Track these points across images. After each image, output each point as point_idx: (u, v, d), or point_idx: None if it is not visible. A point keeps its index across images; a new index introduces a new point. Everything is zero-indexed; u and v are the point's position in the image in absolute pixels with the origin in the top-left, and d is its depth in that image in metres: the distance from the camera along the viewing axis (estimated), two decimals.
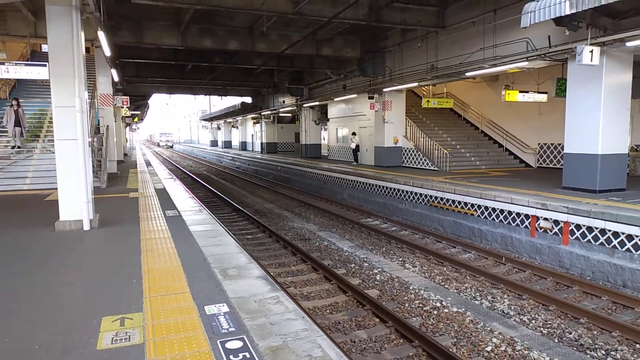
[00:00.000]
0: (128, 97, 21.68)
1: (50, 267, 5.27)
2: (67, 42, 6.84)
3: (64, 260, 5.57)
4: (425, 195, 12.83)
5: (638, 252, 7.64)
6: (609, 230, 8.06)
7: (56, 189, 7.24)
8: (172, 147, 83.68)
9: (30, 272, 5.13)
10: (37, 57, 18.40)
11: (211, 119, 56.78)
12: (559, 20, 9.35)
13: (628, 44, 9.28)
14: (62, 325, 3.68)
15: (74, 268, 5.28)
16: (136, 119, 43.31)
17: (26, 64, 8.17)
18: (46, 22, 6.86)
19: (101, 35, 9.95)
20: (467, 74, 14.06)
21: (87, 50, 15.22)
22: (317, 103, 25.26)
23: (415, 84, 16.86)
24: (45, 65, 7.53)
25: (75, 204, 7.10)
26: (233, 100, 42.22)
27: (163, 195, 11.04)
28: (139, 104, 38.28)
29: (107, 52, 12.17)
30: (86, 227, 7.12)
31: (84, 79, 7.10)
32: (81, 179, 7.08)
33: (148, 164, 23.39)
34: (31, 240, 6.61)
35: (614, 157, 10.43)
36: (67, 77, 6.89)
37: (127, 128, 41.29)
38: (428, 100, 16.68)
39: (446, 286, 7.77)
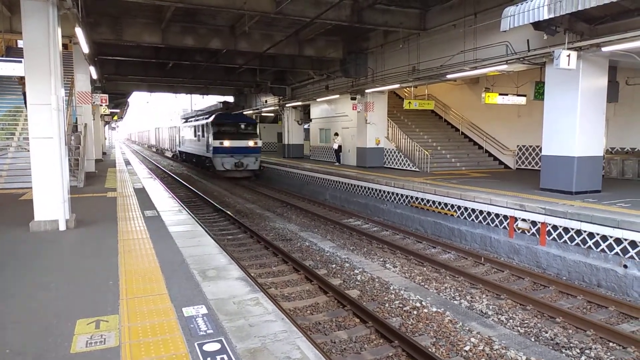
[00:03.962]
0: (107, 95, 21.28)
1: (23, 269, 5.14)
2: (43, 38, 6.69)
3: (39, 262, 5.44)
4: (407, 196, 12.91)
5: (612, 253, 7.82)
6: (585, 231, 8.23)
7: (31, 188, 7.07)
8: (258, 172, 24.15)
9: (2, 273, 4.99)
10: (12, 52, 17.97)
11: (191, 118, 56.08)
12: (538, 25, 9.52)
13: (604, 49, 9.49)
14: (35, 329, 3.59)
15: (48, 269, 5.15)
16: (116, 117, 42.59)
17: (0, 60, 7.97)
18: (21, 17, 6.70)
19: (79, 31, 9.75)
20: (448, 76, 14.22)
21: (65, 46, 14.89)
22: (299, 103, 25.22)
23: (397, 86, 16.97)
24: (20, 62, 7.34)
25: (51, 204, 6.95)
26: (215, 99, 41.85)
27: (142, 195, 10.89)
28: (119, 102, 37.68)
29: (86, 49, 11.95)
30: (62, 227, 6.96)
31: (60, 76, 6.95)
32: (57, 178, 6.93)
33: (127, 163, 23.04)
34: (4, 241, 6.44)
35: (590, 159, 10.66)
36: (43, 74, 6.73)
37: (106, 126, 40.63)
38: (410, 102, 16.84)
39: (426, 286, 7.83)
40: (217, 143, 22.53)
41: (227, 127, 23.46)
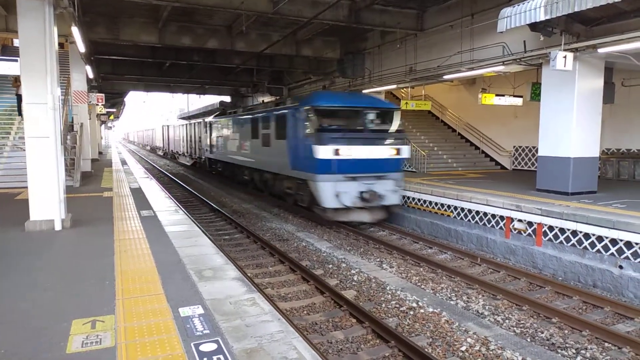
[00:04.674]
0: (103, 95, 21.24)
1: (19, 269, 5.12)
2: (39, 37, 6.67)
3: (34, 262, 5.42)
4: (403, 197, 12.92)
5: (608, 253, 7.85)
6: (580, 232, 8.25)
7: (27, 187, 7.05)
8: (397, 210, 12.36)
9: None
10: (8, 51, 17.90)
11: (189, 117, 56.09)
12: (534, 26, 9.55)
13: (600, 50, 9.53)
14: (30, 329, 3.57)
15: (44, 269, 5.13)
16: (112, 117, 42.50)
17: None
18: (17, 16, 6.68)
19: (75, 31, 9.72)
20: (445, 76, 14.24)
21: (61, 45, 14.87)
22: None
23: (394, 86, 17.00)
24: (16, 61, 7.33)
25: (47, 204, 6.92)
26: (212, 99, 41.80)
27: (138, 194, 10.86)
28: (115, 101, 37.57)
29: (82, 48, 11.91)
30: (58, 227, 6.94)
31: (56, 75, 6.93)
32: (53, 177, 6.91)
33: (123, 162, 22.99)
34: None
35: (586, 160, 10.70)
36: (39, 73, 6.71)
37: (103, 126, 40.52)
38: (406, 102, 16.86)
39: (422, 287, 7.83)
40: (327, 152, 11.09)
41: (343, 118, 11.92)
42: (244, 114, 17.81)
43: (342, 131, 11.53)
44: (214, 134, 22.39)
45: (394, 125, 12.31)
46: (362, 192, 11.34)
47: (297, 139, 12.37)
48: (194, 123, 28.80)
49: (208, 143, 23.53)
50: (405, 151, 12.29)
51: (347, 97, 13.53)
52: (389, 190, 11.65)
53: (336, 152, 11.11)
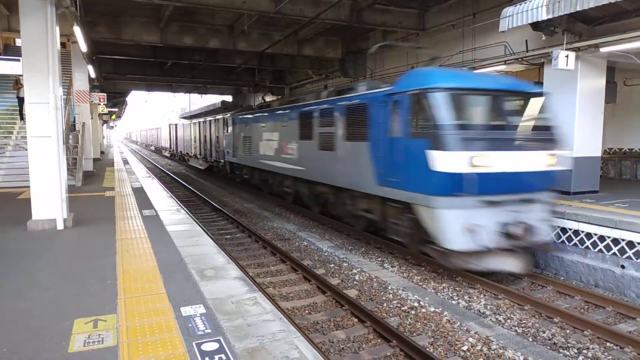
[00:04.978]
0: (105, 94, 21.31)
1: (21, 268, 5.13)
2: (41, 37, 6.70)
3: (36, 261, 5.43)
4: None
5: (609, 253, 7.83)
6: (582, 232, 8.24)
7: (29, 187, 7.07)
8: (546, 246, 8.09)
9: None
10: (10, 51, 17.95)
11: (191, 117, 56.11)
12: (536, 25, 9.54)
13: (602, 49, 9.51)
14: (32, 328, 3.58)
15: (46, 269, 5.15)
16: (114, 117, 42.58)
17: None
18: (19, 15, 6.70)
19: (77, 30, 9.75)
20: None
21: (63, 45, 14.88)
22: None
23: None
24: (18, 60, 7.36)
25: (49, 203, 6.95)
26: (214, 99, 41.83)
27: (140, 194, 10.88)
28: (117, 101, 37.66)
29: (84, 48, 11.94)
30: (60, 226, 6.96)
31: (58, 75, 6.95)
32: (55, 177, 6.93)
33: (125, 162, 23.03)
34: (2, 240, 6.43)
35: (588, 159, 10.68)
36: (41, 72, 6.74)
37: (104, 125, 40.59)
38: None
39: (424, 286, 7.83)
40: (455, 161, 7.09)
41: (475, 108, 8.04)
42: (287, 106, 13.72)
43: (477, 128, 7.62)
44: (239, 133, 18.23)
45: (545, 119, 8.27)
46: (506, 225, 7.47)
47: (392, 140, 8.37)
48: (210, 120, 25.22)
49: (230, 144, 19.51)
50: (565, 158, 8.47)
51: (474, 76, 9.25)
52: (538, 220, 7.82)
53: (471, 161, 7.12)
